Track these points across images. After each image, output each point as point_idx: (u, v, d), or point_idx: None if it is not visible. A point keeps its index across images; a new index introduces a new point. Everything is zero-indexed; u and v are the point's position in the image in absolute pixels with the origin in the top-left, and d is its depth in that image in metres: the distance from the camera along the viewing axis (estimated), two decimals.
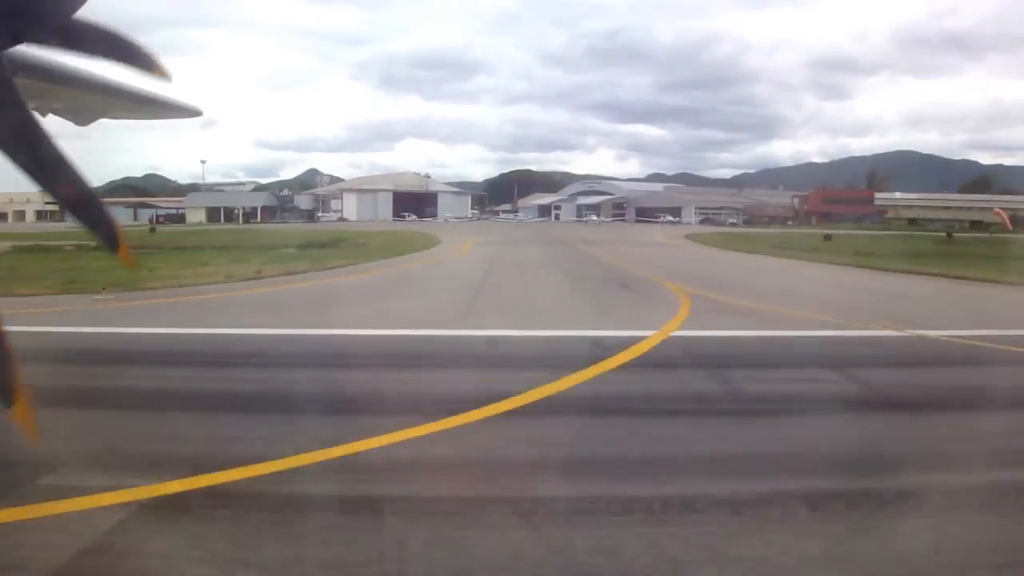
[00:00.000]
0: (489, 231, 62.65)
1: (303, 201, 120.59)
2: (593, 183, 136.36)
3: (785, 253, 31.89)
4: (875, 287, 18.82)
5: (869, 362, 9.27)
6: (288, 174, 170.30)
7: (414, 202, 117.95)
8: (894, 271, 22.77)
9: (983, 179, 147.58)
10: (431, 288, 18.03)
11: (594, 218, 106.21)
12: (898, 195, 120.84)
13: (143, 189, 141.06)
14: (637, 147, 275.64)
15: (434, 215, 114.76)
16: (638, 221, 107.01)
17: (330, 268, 22.37)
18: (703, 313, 12.70)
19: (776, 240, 43.93)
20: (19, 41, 2.51)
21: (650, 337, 9.95)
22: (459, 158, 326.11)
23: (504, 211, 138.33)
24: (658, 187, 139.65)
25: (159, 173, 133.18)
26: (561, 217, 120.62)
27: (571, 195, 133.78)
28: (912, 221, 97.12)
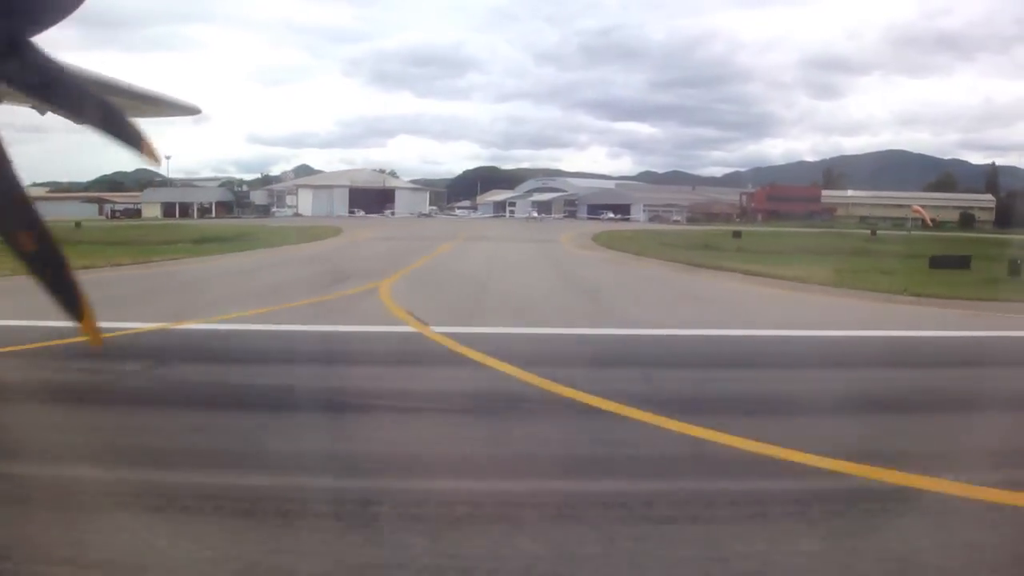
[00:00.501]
0: (410, 226, 65.04)
1: (259, 197, 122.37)
2: (547, 180, 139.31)
3: (646, 251, 30.99)
4: (657, 284, 19.13)
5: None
6: (280, 170, 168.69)
7: (371, 198, 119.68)
8: (716, 269, 22.47)
9: (947, 177, 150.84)
10: None
11: (535, 215, 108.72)
12: (850, 193, 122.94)
13: (122, 184, 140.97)
14: (630, 145, 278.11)
15: (392, 211, 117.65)
16: (589, 218, 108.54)
17: (177, 259, 24.68)
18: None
19: (673, 238, 43.49)
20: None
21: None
22: (452, 155, 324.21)
23: (461, 207, 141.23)
24: (611, 184, 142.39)
25: (150, 168, 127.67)
26: (516, 213, 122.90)
27: (526, 192, 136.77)
28: (863, 219, 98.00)
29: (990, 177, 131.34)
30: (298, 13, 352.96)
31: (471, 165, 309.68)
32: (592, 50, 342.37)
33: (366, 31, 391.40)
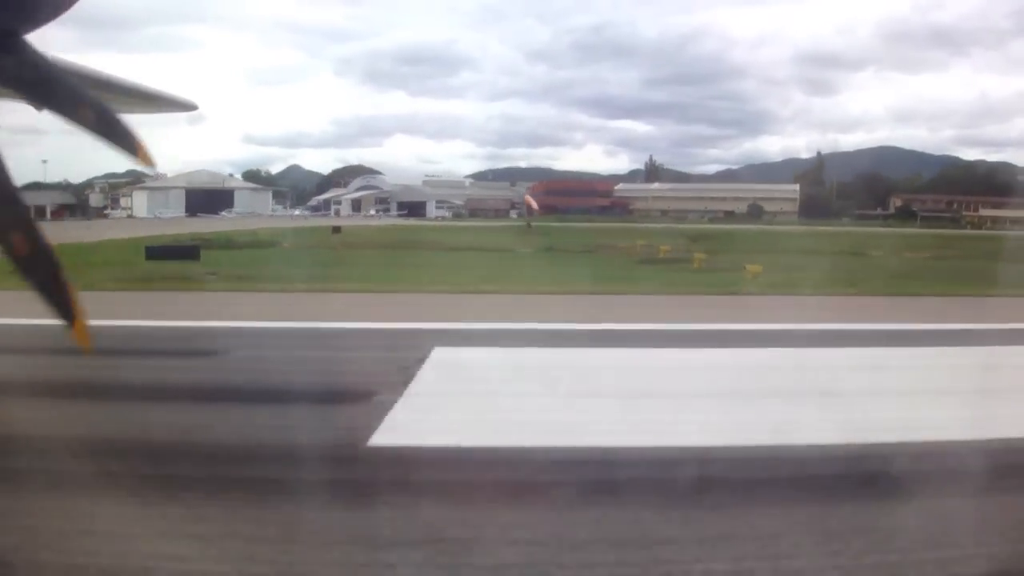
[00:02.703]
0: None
1: (95, 199, 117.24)
2: (369, 177, 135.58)
3: None
4: None
5: None
6: (275, 170, 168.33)
7: (209, 199, 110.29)
8: None
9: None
10: None
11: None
12: (656, 186, 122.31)
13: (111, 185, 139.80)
14: (625, 143, 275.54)
15: (231, 212, 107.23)
16: (399, 215, 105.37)
17: None
18: None
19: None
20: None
21: None
22: (448, 154, 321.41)
23: (311, 206, 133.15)
24: (418, 182, 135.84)
25: (140, 169, 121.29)
26: (342, 212, 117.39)
27: (357, 189, 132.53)
28: (664, 212, 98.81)
29: (816, 169, 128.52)
30: (292, 12, 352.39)
31: (468, 164, 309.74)
32: (584, 48, 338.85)
33: (357, 30, 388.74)
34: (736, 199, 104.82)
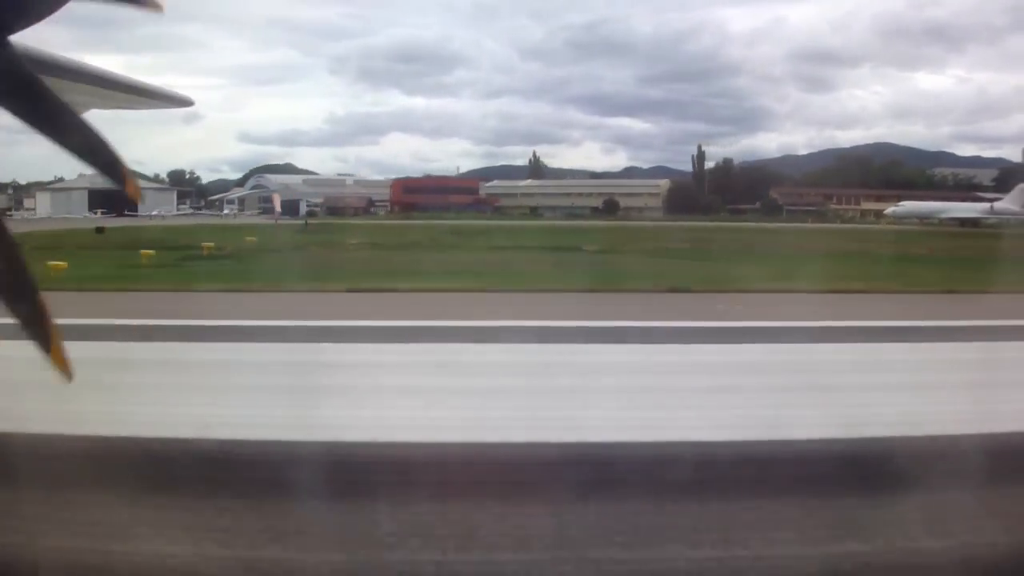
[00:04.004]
0: None
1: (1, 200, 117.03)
2: (259, 177, 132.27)
3: None
4: None
5: None
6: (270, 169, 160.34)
7: (111, 200, 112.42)
8: None
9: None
10: None
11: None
12: (524, 183, 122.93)
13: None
14: (623, 140, 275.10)
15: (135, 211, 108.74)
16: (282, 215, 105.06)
17: None
18: None
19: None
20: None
21: None
22: (445, 152, 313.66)
23: (229, 204, 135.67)
24: (298, 179, 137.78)
25: (131, 167, 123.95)
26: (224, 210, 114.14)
27: (252, 187, 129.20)
28: (533, 210, 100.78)
29: (698, 164, 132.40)
30: (286, 10, 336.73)
31: (465, 162, 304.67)
32: (578, 45, 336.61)
33: (351, 27, 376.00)
34: (600, 195, 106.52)
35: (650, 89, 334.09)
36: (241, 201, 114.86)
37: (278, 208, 74.31)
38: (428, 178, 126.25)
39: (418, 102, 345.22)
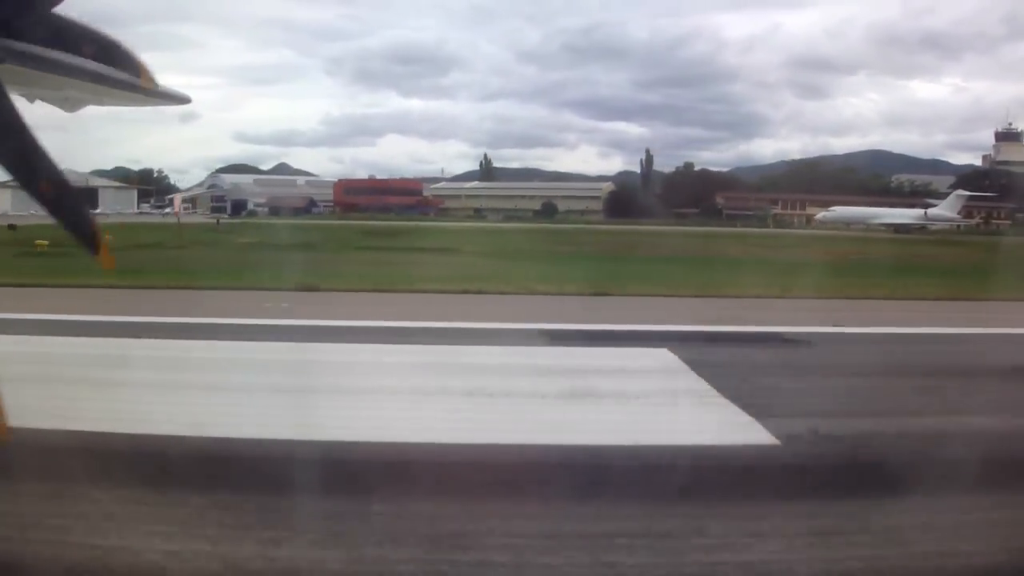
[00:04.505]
0: None
1: None
2: (215, 176, 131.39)
3: None
4: None
5: None
6: (266, 168, 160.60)
7: None
8: None
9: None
10: None
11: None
12: (468, 185, 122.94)
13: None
14: (619, 144, 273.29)
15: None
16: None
17: None
18: None
19: None
20: (1, 34, 2.42)
21: None
22: (442, 154, 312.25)
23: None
24: (249, 179, 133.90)
25: (125, 166, 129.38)
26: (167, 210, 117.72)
27: (208, 187, 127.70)
28: (477, 211, 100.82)
29: (645, 167, 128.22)
30: (283, 11, 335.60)
31: (461, 164, 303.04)
32: (574, 49, 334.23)
33: (348, 29, 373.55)
34: (542, 197, 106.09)
35: (646, 94, 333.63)
36: (192, 200, 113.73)
37: (178, 208, 73.37)
38: (369, 179, 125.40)
39: (415, 104, 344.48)
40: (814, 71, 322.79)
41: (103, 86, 3.68)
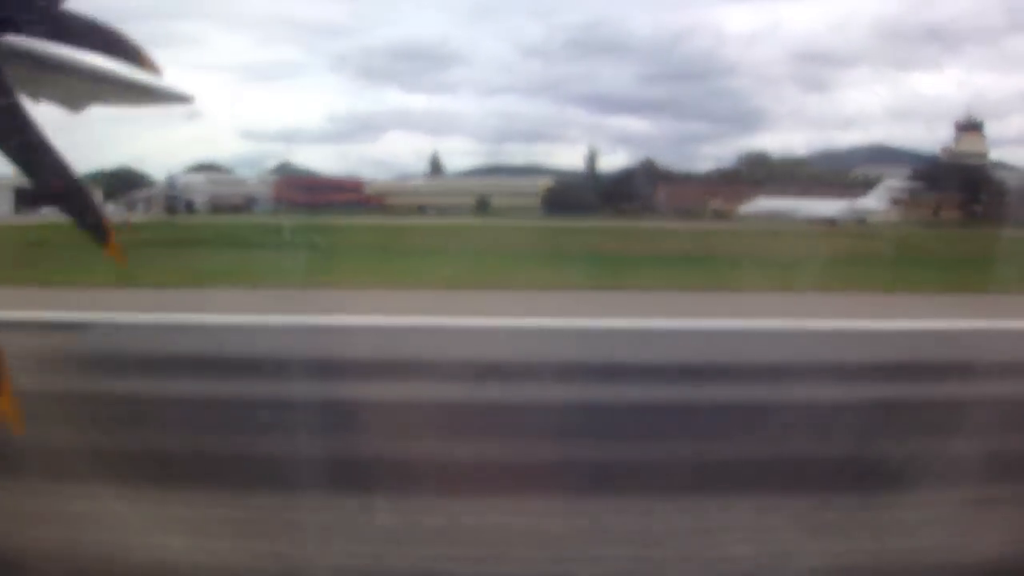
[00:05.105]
0: None
1: None
2: (172, 176, 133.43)
3: None
4: None
5: None
6: (269, 166, 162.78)
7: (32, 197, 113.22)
8: None
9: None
10: None
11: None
12: (416, 181, 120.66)
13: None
14: (623, 139, 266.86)
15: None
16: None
17: None
18: None
19: None
20: (6, 29, 2.51)
21: None
22: (446, 150, 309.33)
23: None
24: (202, 179, 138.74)
25: (130, 166, 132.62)
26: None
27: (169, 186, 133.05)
28: (420, 208, 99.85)
29: (589, 163, 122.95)
30: (286, 7, 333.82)
31: (466, 161, 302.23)
32: (578, 44, 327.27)
33: (350, 25, 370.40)
34: (481, 194, 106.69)
35: (650, 89, 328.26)
36: (147, 200, 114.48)
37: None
38: (308, 176, 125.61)
39: (419, 100, 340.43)
40: (817, 64, 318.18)
41: (107, 85, 3.83)
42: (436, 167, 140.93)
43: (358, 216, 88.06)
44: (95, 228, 2.87)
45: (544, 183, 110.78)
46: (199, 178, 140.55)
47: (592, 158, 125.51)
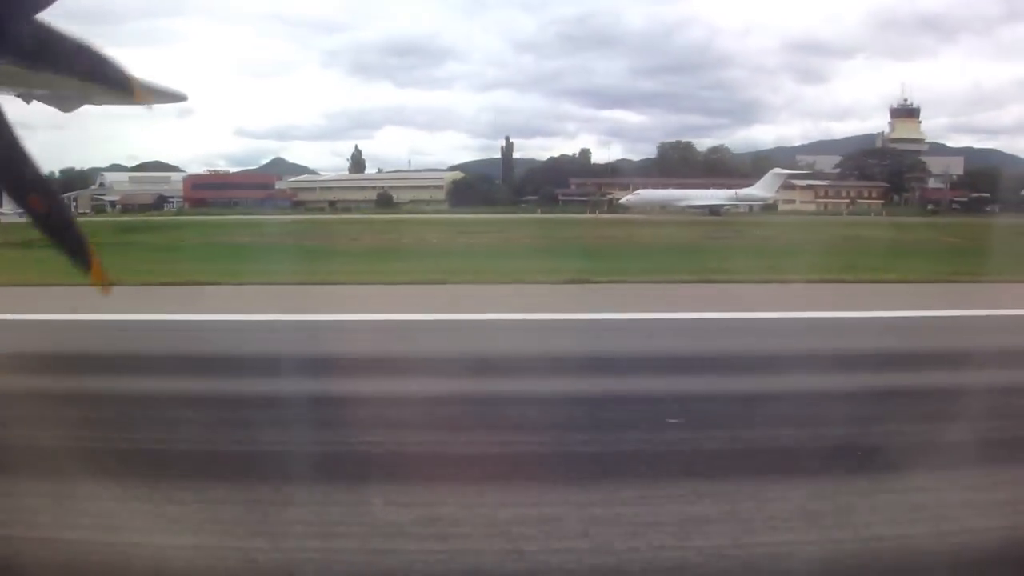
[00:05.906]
0: None
1: None
2: (100, 175, 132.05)
3: None
4: None
5: None
6: (263, 163, 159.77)
7: None
8: None
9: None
10: None
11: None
12: (322, 177, 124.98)
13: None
14: (618, 133, 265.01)
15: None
16: None
17: None
18: None
19: None
20: None
21: None
22: (441, 145, 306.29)
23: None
24: (124, 178, 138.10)
25: (121, 163, 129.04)
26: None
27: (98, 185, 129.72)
28: (332, 204, 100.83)
29: (505, 155, 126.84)
30: (277, 4, 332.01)
31: (462, 156, 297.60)
32: (570, 38, 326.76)
33: (342, 21, 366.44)
34: (392, 188, 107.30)
35: (644, 81, 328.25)
36: (75, 200, 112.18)
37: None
38: (216, 174, 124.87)
39: (411, 95, 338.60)
40: (811, 55, 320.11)
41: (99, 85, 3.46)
42: (357, 164, 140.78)
43: (257, 213, 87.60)
44: (76, 253, 2.75)
45: (449, 176, 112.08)
46: (120, 177, 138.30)
47: (508, 151, 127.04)
